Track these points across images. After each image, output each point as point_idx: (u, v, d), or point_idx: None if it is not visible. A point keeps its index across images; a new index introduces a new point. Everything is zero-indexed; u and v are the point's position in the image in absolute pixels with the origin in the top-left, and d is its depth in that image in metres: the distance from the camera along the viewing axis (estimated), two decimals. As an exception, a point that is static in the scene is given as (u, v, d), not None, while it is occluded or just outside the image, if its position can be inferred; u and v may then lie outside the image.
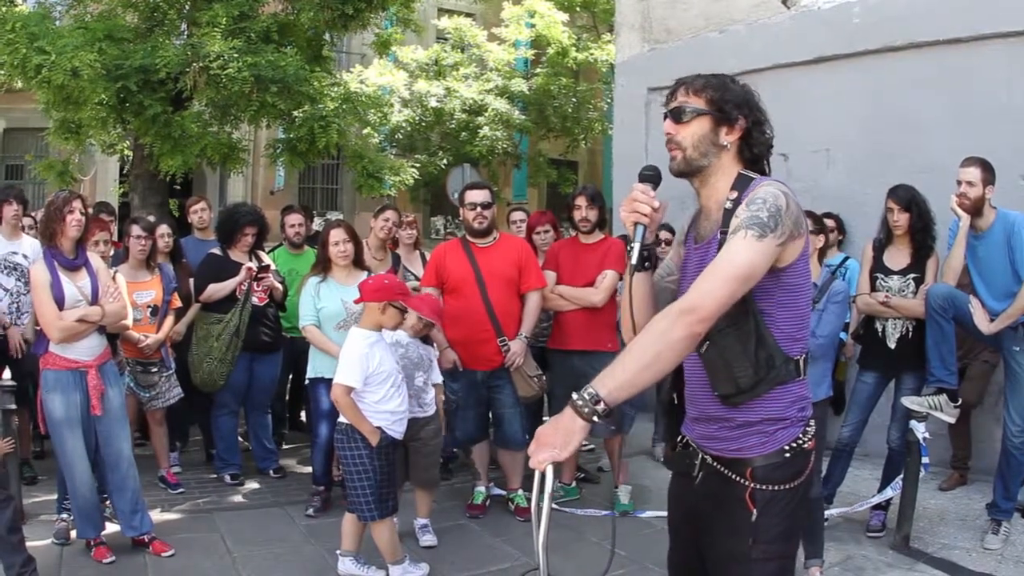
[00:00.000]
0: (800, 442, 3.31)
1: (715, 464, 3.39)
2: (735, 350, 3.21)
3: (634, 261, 3.37)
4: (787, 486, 3.28)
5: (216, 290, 8.52)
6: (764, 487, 3.26)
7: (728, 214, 3.25)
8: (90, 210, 6.98)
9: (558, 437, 3.11)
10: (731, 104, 3.35)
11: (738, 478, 3.29)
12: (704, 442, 3.44)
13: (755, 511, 3.24)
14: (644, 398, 9.87)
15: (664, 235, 8.81)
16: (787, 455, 3.28)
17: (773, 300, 3.23)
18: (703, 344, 3.22)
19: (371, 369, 6.09)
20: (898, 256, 7.38)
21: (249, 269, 8.51)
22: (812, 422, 3.38)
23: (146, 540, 6.79)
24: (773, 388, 3.25)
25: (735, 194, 3.28)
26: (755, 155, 3.41)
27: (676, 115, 3.39)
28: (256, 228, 8.84)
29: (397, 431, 6.27)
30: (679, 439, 3.64)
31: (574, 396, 3.11)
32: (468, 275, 7.77)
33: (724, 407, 3.30)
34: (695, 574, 3.56)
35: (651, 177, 3.45)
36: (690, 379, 3.48)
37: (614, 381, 3.10)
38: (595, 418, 3.10)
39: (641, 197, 3.36)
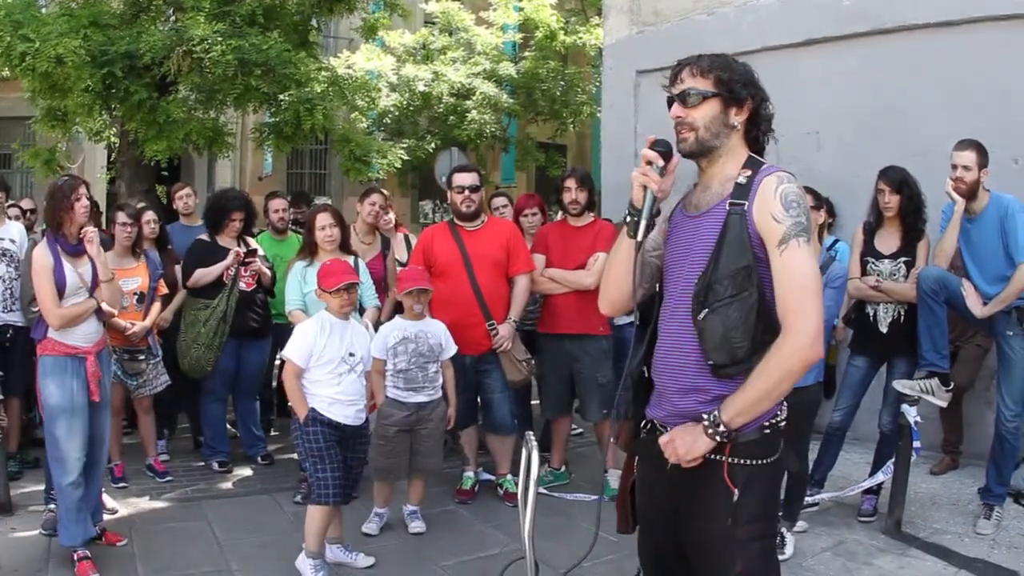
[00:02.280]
0: (777, 419, 3.33)
1: None
2: (735, 320, 3.20)
3: (643, 226, 3.38)
4: (765, 461, 3.30)
5: (203, 275, 8.49)
6: (744, 462, 3.25)
7: (741, 188, 3.29)
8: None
9: (685, 444, 3.24)
10: (739, 84, 3.36)
11: (715, 455, 3.25)
12: (676, 421, 3.37)
13: (736, 490, 3.23)
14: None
15: None
16: (766, 431, 3.28)
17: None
18: (701, 311, 3.25)
19: (316, 352, 6.16)
20: (889, 239, 7.35)
21: (237, 253, 8.46)
22: (785, 403, 3.38)
23: (98, 531, 6.63)
24: None
25: (748, 172, 3.32)
26: (759, 132, 3.46)
27: (684, 99, 3.37)
28: (244, 213, 8.82)
29: (338, 415, 6.21)
30: (644, 424, 3.60)
31: (704, 415, 3.21)
32: (456, 259, 7.74)
33: (709, 378, 3.28)
34: (669, 562, 3.55)
35: (663, 154, 3.43)
36: (671, 348, 3.44)
37: (735, 408, 3.16)
38: (717, 438, 3.17)
39: (650, 155, 3.40)
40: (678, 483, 3.35)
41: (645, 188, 3.39)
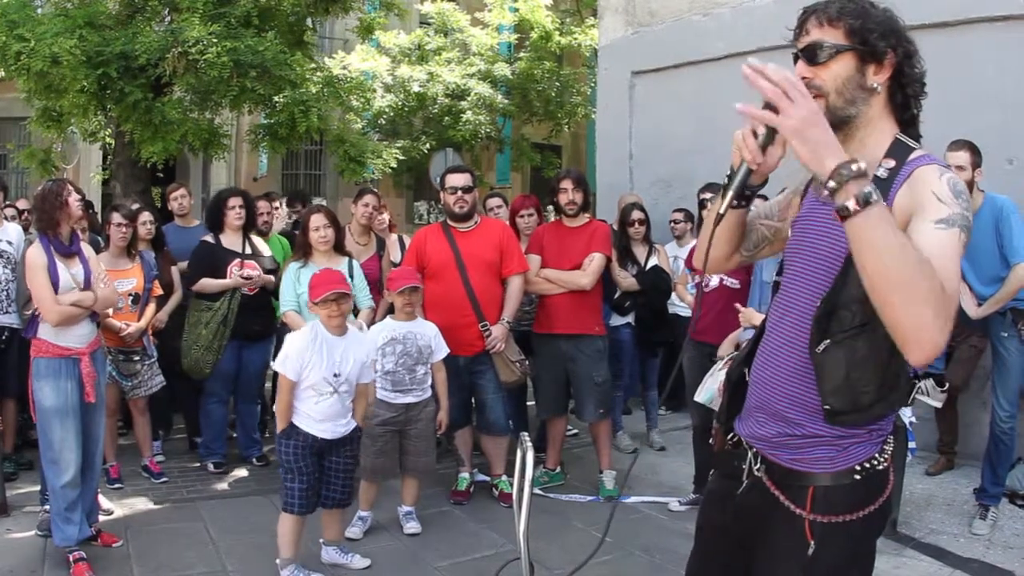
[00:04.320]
0: (875, 462, 2.80)
1: (766, 478, 2.91)
2: (862, 356, 2.63)
3: (728, 198, 2.74)
4: (853, 516, 2.76)
5: (206, 286, 8.51)
6: (825, 519, 2.75)
7: (881, 184, 2.61)
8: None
9: (817, 132, 2.42)
10: (877, 34, 2.71)
11: (792, 505, 2.81)
12: (760, 444, 2.94)
13: (812, 543, 2.75)
14: (633, 385, 9.89)
15: (676, 215, 8.96)
16: (857, 476, 2.76)
17: None
18: (821, 341, 2.68)
19: (303, 367, 6.02)
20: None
21: (239, 281, 8.49)
22: (890, 438, 2.88)
23: (93, 532, 6.60)
24: (886, 413, 2.76)
25: (892, 163, 2.69)
26: (907, 96, 2.83)
27: (811, 55, 2.77)
28: (241, 200, 8.83)
29: (315, 428, 6.11)
30: (730, 436, 3.13)
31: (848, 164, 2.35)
32: (449, 259, 7.74)
33: (807, 414, 2.79)
34: None
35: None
36: (769, 366, 2.94)
37: (863, 214, 2.33)
38: (847, 180, 2.33)
39: (750, 137, 2.67)
40: (749, 510, 2.96)
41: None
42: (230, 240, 8.73)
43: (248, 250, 8.75)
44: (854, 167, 2.33)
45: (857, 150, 2.67)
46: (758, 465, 2.95)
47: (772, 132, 2.66)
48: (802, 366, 2.79)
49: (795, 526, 2.79)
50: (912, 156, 2.70)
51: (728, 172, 2.78)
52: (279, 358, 6.10)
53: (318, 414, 6.06)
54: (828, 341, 2.66)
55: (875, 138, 2.78)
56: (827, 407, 2.70)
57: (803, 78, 2.72)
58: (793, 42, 2.88)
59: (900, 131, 2.81)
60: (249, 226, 8.93)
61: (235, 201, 8.74)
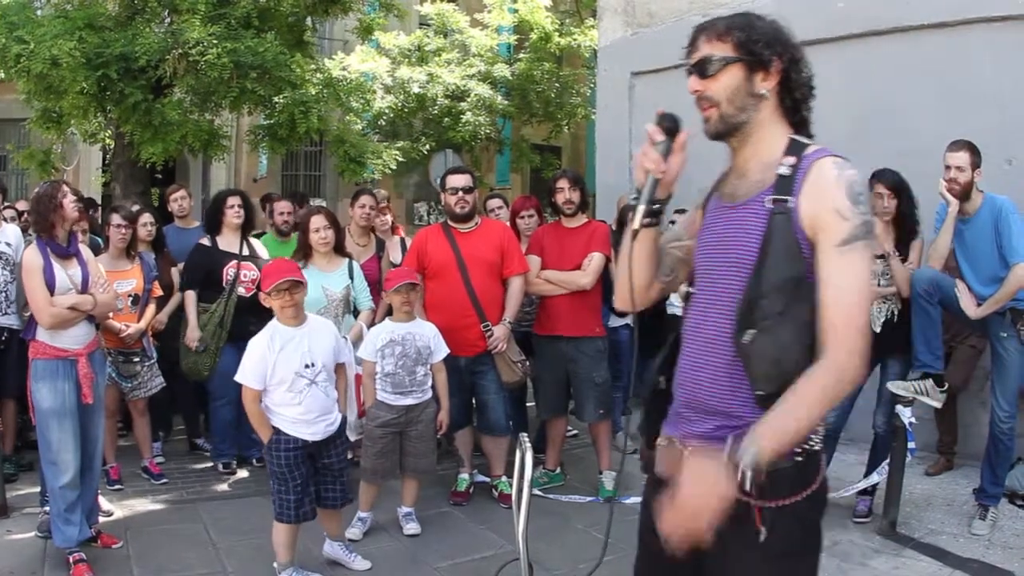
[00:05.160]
0: (812, 443, 2.86)
1: None
2: (786, 341, 2.75)
3: (640, 212, 2.98)
4: (799, 497, 2.84)
5: (186, 302, 8.66)
6: (772, 503, 2.78)
7: (784, 181, 2.82)
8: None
9: (700, 498, 2.62)
10: (762, 44, 2.90)
11: (740, 495, 2.72)
12: (696, 442, 2.93)
13: (763, 529, 2.78)
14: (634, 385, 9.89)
15: (675, 216, 9.03)
16: (798, 459, 2.81)
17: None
18: (744, 333, 2.79)
19: (268, 372, 5.90)
20: (882, 240, 7.31)
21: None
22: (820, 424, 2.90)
23: (93, 533, 6.59)
24: None
25: (792, 159, 2.84)
26: (796, 100, 2.99)
27: (701, 69, 2.95)
28: (240, 199, 8.86)
29: (304, 432, 6.00)
30: (659, 440, 3.19)
31: (730, 441, 2.65)
32: (450, 260, 7.73)
33: (739, 404, 2.85)
34: None
35: (669, 130, 3.03)
36: (695, 363, 3.00)
37: (776, 442, 2.63)
38: (747, 487, 2.58)
39: (649, 149, 3.00)
40: None
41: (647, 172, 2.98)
42: (227, 241, 8.74)
43: (245, 251, 8.76)
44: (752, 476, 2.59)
45: (753, 154, 2.99)
46: None
47: (670, 141, 3.03)
48: (731, 360, 2.88)
49: (744, 515, 2.77)
50: (808, 151, 2.87)
51: (634, 194, 3.04)
52: (239, 369, 6.00)
53: (305, 413, 5.97)
54: (753, 331, 2.78)
55: (769, 141, 2.96)
56: (759, 392, 2.79)
57: (695, 91, 2.99)
58: (686, 59, 3.06)
59: (792, 133, 2.99)
60: (248, 227, 8.93)
61: (233, 200, 8.76)
